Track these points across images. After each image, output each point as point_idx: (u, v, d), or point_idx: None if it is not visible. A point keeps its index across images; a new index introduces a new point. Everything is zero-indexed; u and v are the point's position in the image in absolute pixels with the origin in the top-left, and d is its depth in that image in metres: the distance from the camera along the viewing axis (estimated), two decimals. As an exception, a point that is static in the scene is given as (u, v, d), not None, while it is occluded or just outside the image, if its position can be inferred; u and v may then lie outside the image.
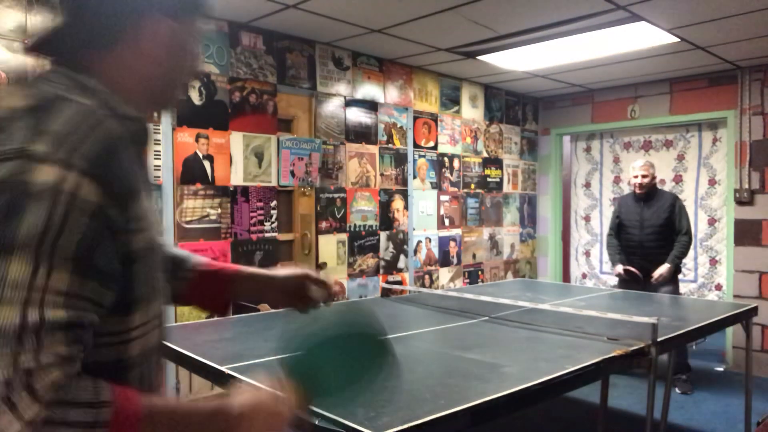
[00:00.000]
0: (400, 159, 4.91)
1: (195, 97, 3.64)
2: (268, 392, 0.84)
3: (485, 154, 5.76)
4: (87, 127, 0.70)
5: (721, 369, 4.99)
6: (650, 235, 4.32)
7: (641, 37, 4.04)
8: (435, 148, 5.23)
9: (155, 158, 3.45)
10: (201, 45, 0.97)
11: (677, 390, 4.31)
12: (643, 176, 4.36)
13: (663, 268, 4.24)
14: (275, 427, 0.81)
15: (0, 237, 0.64)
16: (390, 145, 4.83)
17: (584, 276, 6.21)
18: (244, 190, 3.85)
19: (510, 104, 6.05)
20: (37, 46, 0.85)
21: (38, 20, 3.03)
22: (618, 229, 4.55)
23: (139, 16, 0.84)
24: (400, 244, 4.91)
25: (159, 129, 3.48)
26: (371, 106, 4.68)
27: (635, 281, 4.32)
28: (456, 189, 5.44)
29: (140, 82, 0.86)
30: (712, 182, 5.35)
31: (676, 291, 4.34)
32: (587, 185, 6.22)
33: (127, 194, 0.73)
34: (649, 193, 4.37)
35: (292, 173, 4.14)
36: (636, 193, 4.42)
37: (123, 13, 0.83)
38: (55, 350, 0.64)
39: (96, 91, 0.79)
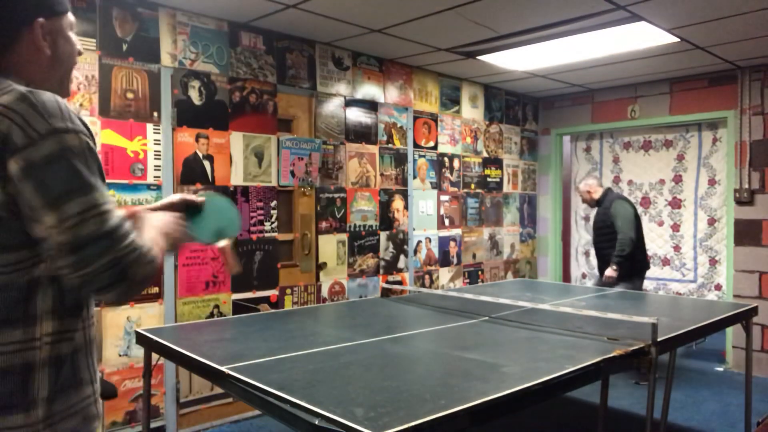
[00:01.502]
0: (400, 159, 4.91)
1: (195, 97, 3.64)
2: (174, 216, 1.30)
3: (485, 154, 5.76)
4: (64, 104, 1.04)
5: (721, 369, 4.99)
6: (599, 237, 4.71)
7: (641, 37, 4.03)
8: (435, 148, 5.23)
9: (155, 158, 3.45)
10: (74, 34, 1.19)
11: (633, 380, 4.58)
12: (582, 195, 4.88)
13: (609, 270, 4.48)
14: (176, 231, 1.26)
15: (69, 183, 0.99)
16: (390, 145, 4.83)
17: (584, 276, 6.21)
18: (244, 190, 3.85)
19: (510, 104, 6.05)
20: None
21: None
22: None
23: (25, 20, 1.09)
24: (400, 244, 4.91)
25: (159, 129, 3.48)
26: (371, 106, 4.68)
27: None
28: (456, 189, 5.44)
29: (38, 71, 1.12)
30: (712, 182, 5.35)
31: (637, 287, 4.56)
32: (587, 185, 6.22)
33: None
34: (598, 201, 4.75)
35: (292, 173, 4.14)
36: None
37: (13, 21, 1.09)
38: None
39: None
